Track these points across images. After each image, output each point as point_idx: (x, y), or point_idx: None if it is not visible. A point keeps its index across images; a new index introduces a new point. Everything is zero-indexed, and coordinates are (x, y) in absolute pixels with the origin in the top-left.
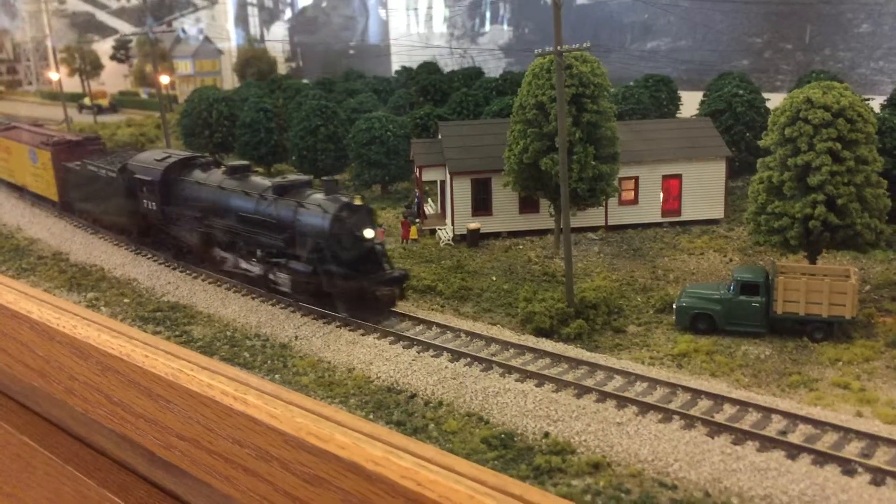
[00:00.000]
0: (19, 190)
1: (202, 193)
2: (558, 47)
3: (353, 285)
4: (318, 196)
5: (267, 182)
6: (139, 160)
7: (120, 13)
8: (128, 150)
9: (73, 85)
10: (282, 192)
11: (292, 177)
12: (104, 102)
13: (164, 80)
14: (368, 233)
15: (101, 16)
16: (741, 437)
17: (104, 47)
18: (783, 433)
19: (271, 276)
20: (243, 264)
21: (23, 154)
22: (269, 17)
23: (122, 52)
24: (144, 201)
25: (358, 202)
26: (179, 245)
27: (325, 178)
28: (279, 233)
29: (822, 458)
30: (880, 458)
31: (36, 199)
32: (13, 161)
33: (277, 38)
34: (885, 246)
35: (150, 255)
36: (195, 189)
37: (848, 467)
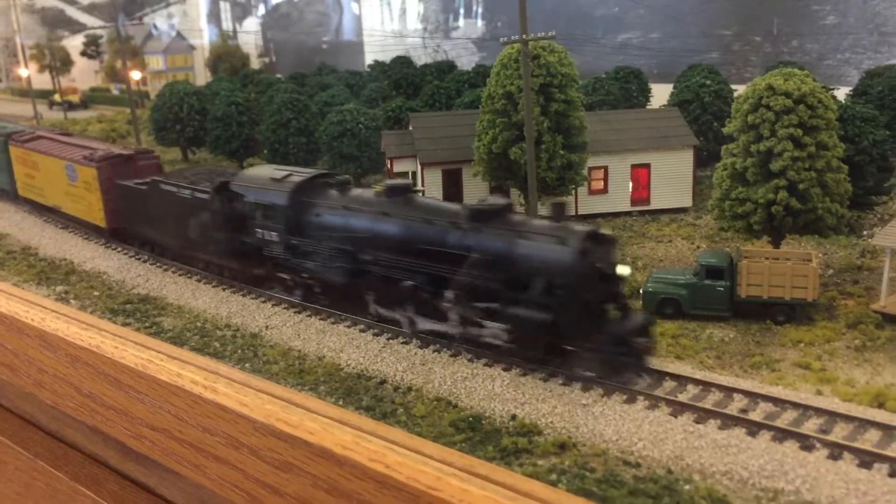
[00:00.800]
0: (50, 211)
1: (354, 221)
2: (524, 36)
3: (608, 337)
4: (544, 223)
5: (453, 206)
6: (247, 179)
7: (90, 9)
8: (210, 167)
9: (43, 81)
10: (482, 219)
11: (491, 199)
12: (75, 99)
13: (136, 76)
14: (624, 269)
15: (71, 11)
16: (703, 415)
17: (74, 43)
18: (744, 411)
19: (475, 328)
20: (424, 311)
21: (56, 170)
22: (242, 12)
23: (92, 48)
24: (259, 231)
25: (605, 231)
26: (311, 284)
27: (553, 201)
28: (489, 271)
29: (781, 435)
30: (838, 434)
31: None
32: (42, 178)
33: (250, 34)
34: (848, 231)
35: (119, 249)
36: (341, 215)
37: (806, 443)
